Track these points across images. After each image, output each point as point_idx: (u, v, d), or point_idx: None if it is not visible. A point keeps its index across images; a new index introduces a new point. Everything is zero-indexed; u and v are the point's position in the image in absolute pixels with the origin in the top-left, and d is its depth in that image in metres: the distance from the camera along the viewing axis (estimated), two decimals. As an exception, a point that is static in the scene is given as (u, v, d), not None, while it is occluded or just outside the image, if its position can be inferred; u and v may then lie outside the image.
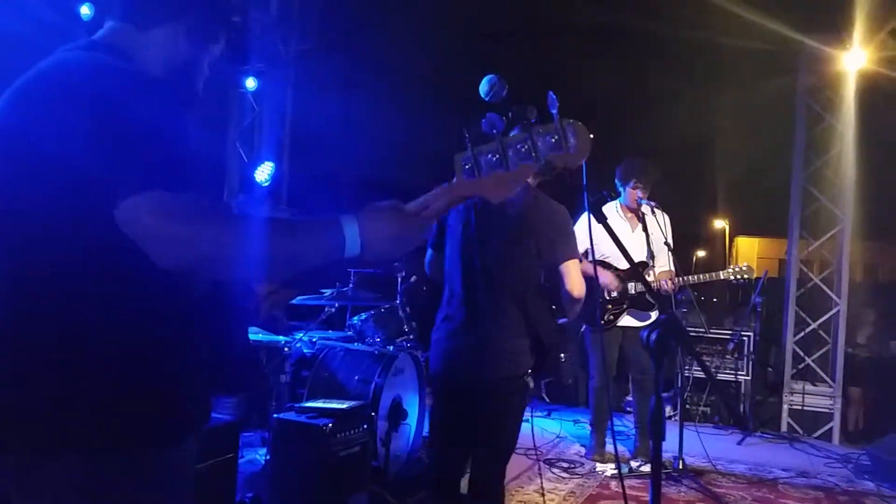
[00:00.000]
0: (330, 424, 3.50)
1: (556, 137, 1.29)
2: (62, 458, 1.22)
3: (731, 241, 13.12)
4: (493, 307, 2.79)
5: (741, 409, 6.64)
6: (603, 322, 4.95)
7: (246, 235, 1.22)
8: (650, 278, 4.96)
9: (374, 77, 7.11)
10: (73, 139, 1.20)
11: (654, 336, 1.96)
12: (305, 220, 1.30)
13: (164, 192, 1.17)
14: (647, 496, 4.48)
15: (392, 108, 6.98)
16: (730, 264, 12.21)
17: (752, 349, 6.82)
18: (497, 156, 1.30)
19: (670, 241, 4.96)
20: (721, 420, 6.76)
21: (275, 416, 3.67)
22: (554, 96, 1.41)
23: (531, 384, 2.79)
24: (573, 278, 2.79)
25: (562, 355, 2.84)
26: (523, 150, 1.29)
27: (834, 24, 6.56)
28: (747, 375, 6.77)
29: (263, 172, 6.05)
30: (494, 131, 1.33)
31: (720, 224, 13.32)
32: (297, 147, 7.13)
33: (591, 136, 1.33)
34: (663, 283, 4.88)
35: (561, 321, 2.89)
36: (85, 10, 5.52)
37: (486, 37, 7.42)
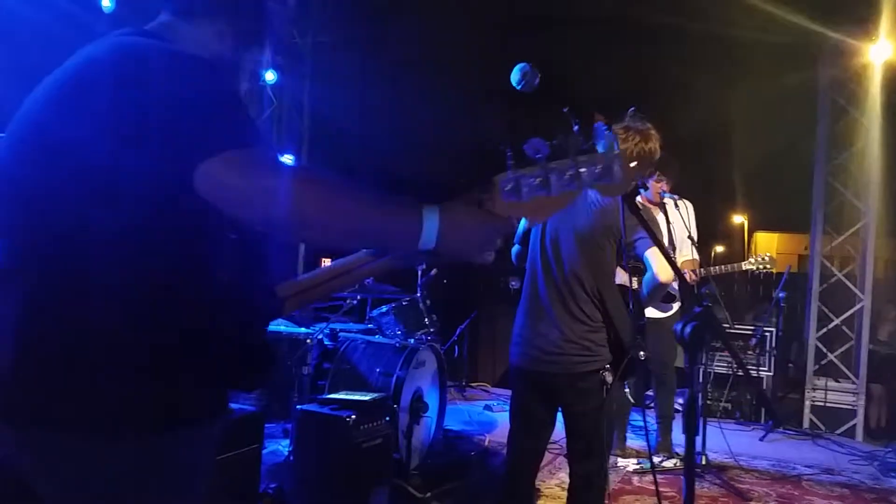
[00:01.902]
0: (353, 416, 3.49)
1: (601, 168, 1.29)
2: (88, 439, 1.20)
3: (750, 236, 13.00)
4: (570, 302, 2.82)
5: (763, 406, 6.57)
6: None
7: (328, 193, 1.20)
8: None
9: (392, 69, 7.07)
10: (144, 105, 1.19)
11: (688, 329, 1.92)
12: (385, 197, 1.24)
13: (245, 149, 1.17)
14: (670, 492, 4.46)
15: (411, 101, 6.95)
16: (747, 259, 12.12)
17: (773, 345, 6.74)
18: (539, 180, 1.28)
19: (694, 233, 4.91)
20: (742, 416, 6.70)
21: (298, 407, 3.66)
22: (604, 127, 1.40)
23: (608, 379, 2.76)
24: (659, 264, 2.79)
25: (641, 353, 2.81)
26: (566, 177, 1.28)
27: (859, 16, 6.46)
28: (769, 371, 6.70)
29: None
30: (538, 156, 1.31)
31: (739, 219, 13.20)
32: (316, 139, 7.12)
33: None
34: (686, 273, 4.83)
35: (640, 322, 2.90)
36: (106, 2, 5.54)
37: (505, 29, 7.36)
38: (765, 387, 6.69)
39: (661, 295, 2.96)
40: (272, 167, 1.18)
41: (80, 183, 1.23)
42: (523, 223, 2.88)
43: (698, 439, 4.86)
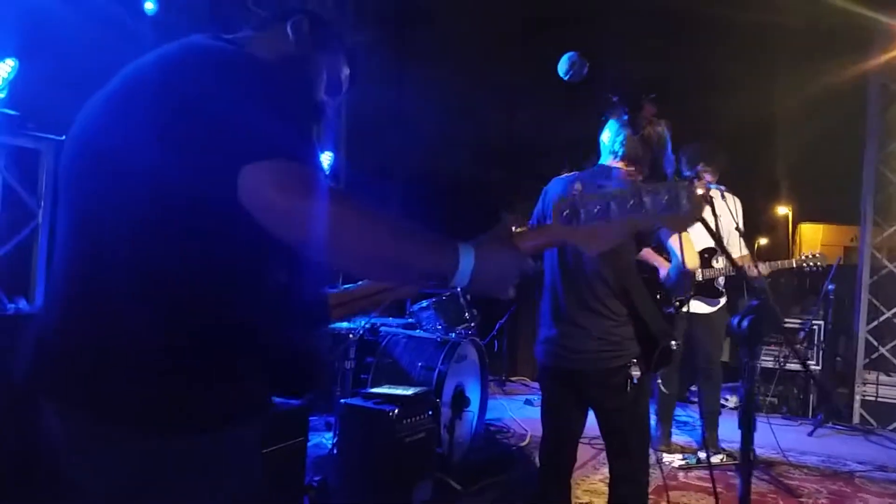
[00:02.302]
0: (396, 410, 3.49)
1: (668, 198, 1.23)
2: (137, 433, 1.22)
3: (794, 227, 12.69)
4: (592, 300, 2.77)
5: (822, 400, 6.43)
6: (672, 310, 4.83)
7: (372, 223, 1.20)
8: (719, 265, 4.82)
9: (430, 66, 7.05)
10: (201, 110, 1.20)
11: (745, 322, 1.88)
12: (424, 231, 1.25)
13: (289, 161, 1.16)
14: (718, 487, 4.38)
15: (449, 98, 6.93)
16: (793, 252, 11.85)
17: (822, 338, 6.59)
18: (599, 208, 1.24)
19: (741, 225, 4.81)
20: (789, 410, 6.56)
21: (341, 401, 3.68)
22: (673, 157, 1.36)
23: (635, 374, 2.72)
24: (688, 251, 2.75)
25: (673, 343, 2.76)
26: (628, 205, 1.23)
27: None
28: (817, 365, 6.55)
29: (323, 163, 6.07)
30: (601, 182, 1.28)
31: (783, 210, 12.89)
32: (353, 138, 7.15)
33: (701, 193, 1.27)
34: (751, 268, 4.74)
35: (668, 310, 2.84)
36: (149, 5, 5.62)
37: (544, 23, 7.29)
38: (813, 381, 6.53)
39: (687, 284, 2.90)
40: (314, 187, 1.16)
41: (133, 185, 1.24)
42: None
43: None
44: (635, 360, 2.74)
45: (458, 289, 1.27)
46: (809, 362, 6.57)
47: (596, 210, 1.24)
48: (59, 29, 4.83)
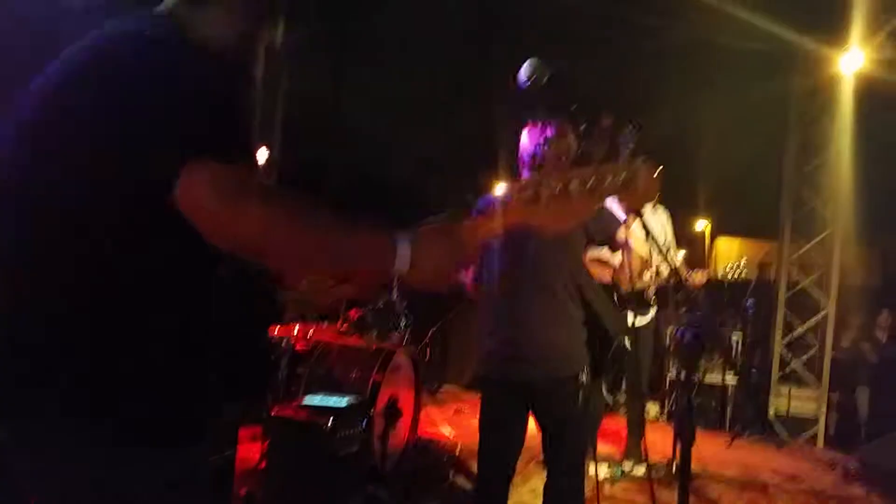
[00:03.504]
0: (330, 422, 3.40)
1: (626, 175, 1.24)
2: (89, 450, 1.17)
3: (711, 241, 13.18)
4: (548, 303, 2.71)
5: (727, 412, 6.66)
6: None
7: (302, 219, 1.20)
8: (647, 278, 4.91)
9: (369, 65, 6.98)
10: (138, 105, 1.18)
11: (689, 336, 1.89)
12: (360, 223, 1.25)
13: (224, 163, 1.14)
14: (640, 499, 4.46)
15: (387, 97, 6.87)
16: (710, 264, 12.27)
17: (739, 351, 6.83)
18: (560, 186, 1.24)
19: (671, 238, 4.92)
20: (707, 423, 6.77)
21: (273, 412, 3.56)
22: (632, 133, 1.36)
23: (584, 380, 2.68)
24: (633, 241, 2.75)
25: (626, 340, 2.76)
26: (588, 185, 1.24)
27: (830, 25, 6.54)
28: (735, 378, 6.79)
29: (258, 159, 5.90)
30: (561, 158, 1.27)
31: (701, 224, 13.36)
32: (289, 131, 6.99)
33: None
34: (688, 278, 4.84)
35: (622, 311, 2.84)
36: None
37: (485, 28, 7.32)
38: (729, 394, 6.76)
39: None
40: (248, 189, 1.16)
41: (67, 183, 1.20)
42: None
43: (668, 447, 4.88)
44: (585, 368, 2.71)
45: (396, 279, 1.26)
46: (727, 375, 6.79)
47: (557, 190, 1.24)
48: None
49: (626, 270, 3.75)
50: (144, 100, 1.18)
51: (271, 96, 6.85)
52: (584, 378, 2.70)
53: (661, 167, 2.79)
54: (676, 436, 1.93)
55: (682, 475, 2.00)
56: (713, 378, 6.73)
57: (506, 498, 2.96)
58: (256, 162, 1.30)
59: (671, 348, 6.23)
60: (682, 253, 5.49)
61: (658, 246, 2.61)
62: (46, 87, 1.28)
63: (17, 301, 1.21)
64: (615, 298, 2.96)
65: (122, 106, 1.19)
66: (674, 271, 2.37)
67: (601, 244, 3.03)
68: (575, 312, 2.72)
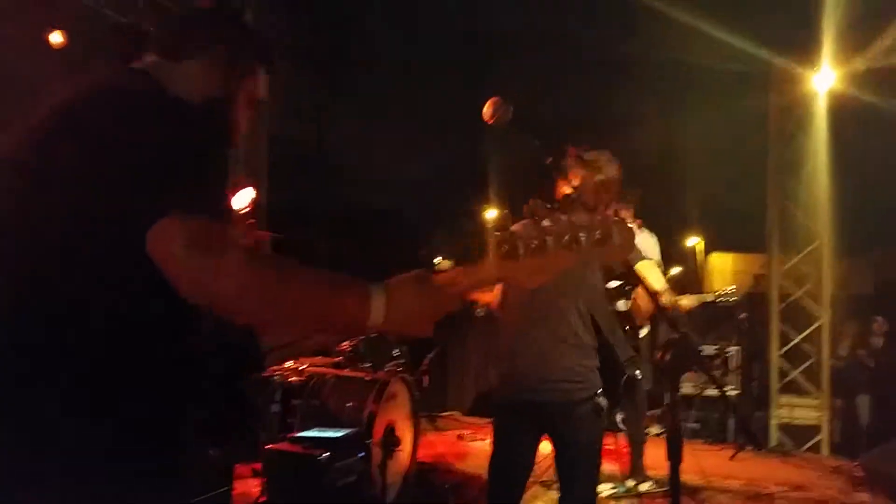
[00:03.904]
0: (326, 454, 3.39)
1: (600, 233, 1.27)
2: None
3: (705, 257, 13.25)
4: (561, 328, 2.76)
5: (744, 430, 6.63)
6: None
7: (273, 277, 1.20)
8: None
9: (354, 104, 7.09)
10: (114, 159, 1.18)
11: (668, 357, 1.93)
12: (333, 278, 1.26)
13: (195, 218, 1.15)
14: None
15: (373, 131, 6.96)
16: (704, 279, 12.30)
17: (738, 364, 6.83)
18: (536, 242, 1.27)
19: (659, 260, 4.96)
20: (710, 436, 6.74)
21: (268, 447, 3.55)
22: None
23: (603, 405, 2.70)
24: (652, 277, 2.76)
25: (637, 372, 2.78)
26: (564, 240, 1.27)
27: (803, 45, 6.69)
28: (736, 390, 6.78)
29: (243, 198, 5.94)
30: (535, 217, 1.31)
31: (693, 241, 13.45)
32: (277, 171, 7.06)
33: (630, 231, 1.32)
34: (676, 302, 4.87)
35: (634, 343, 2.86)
36: (57, 39, 5.40)
37: (466, 62, 7.45)
38: (731, 406, 6.75)
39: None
40: (213, 242, 1.15)
41: (42, 232, 1.20)
42: None
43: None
44: (600, 391, 2.73)
45: (373, 327, 1.26)
46: (729, 387, 6.78)
47: (533, 245, 1.27)
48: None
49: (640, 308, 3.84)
50: (119, 153, 1.19)
51: (256, 137, 6.93)
52: (600, 400, 2.72)
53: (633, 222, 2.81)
54: (667, 456, 1.94)
55: (672, 493, 2.01)
56: (714, 391, 6.72)
57: None
58: (230, 217, 1.32)
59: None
60: (676, 270, 5.54)
61: (632, 273, 2.63)
62: (28, 133, 1.29)
63: None
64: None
65: (98, 158, 1.19)
66: (652, 295, 2.39)
67: (618, 278, 3.06)
68: (587, 339, 2.75)
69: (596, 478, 2.84)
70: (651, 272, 2.78)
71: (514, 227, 1.33)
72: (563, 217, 1.28)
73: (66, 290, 1.18)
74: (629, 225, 1.28)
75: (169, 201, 1.14)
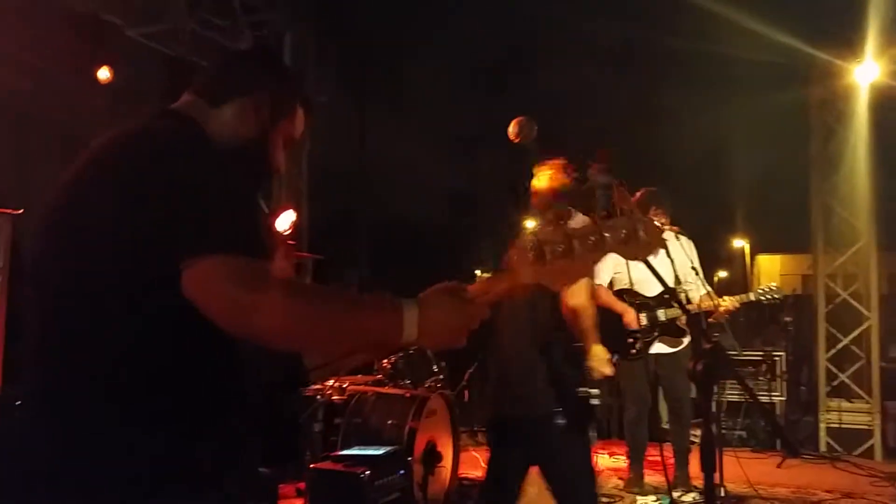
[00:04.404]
0: (368, 472, 3.47)
1: (626, 232, 1.30)
2: None
3: (751, 259, 12.99)
4: (519, 352, 2.86)
5: (777, 435, 6.52)
6: (634, 351, 4.90)
7: (308, 308, 1.25)
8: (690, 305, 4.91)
9: (390, 122, 7.19)
10: (149, 201, 1.23)
11: (700, 367, 1.95)
12: (366, 300, 1.31)
13: (233, 257, 1.20)
14: (691, 527, 4.42)
15: (409, 151, 7.05)
16: (752, 283, 12.08)
17: (784, 369, 6.72)
18: (562, 246, 1.29)
19: (697, 265, 4.93)
20: (758, 443, 6.64)
21: (311, 466, 3.65)
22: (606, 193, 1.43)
23: (560, 421, 2.75)
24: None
25: (595, 401, 2.80)
26: (590, 242, 1.29)
27: (845, 37, 6.56)
28: (782, 396, 6.67)
29: (285, 220, 6.09)
30: (561, 221, 1.34)
31: (739, 243, 13.20)
32: (316, 194, 7.20)
33: (658, 225, 1.33)
34: (718, 305, 4.85)
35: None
36: (103, 75, 5.61)
37: (498, 64, 7.48)
38: (778, 412, 6.64)
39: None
40: (247, 280, 1.19)
41: (89, 272, 1.26)
42: None
43: (715, 470, 4.81)
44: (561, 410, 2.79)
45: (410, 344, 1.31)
46: (774, 394, 6.67)
47: (560, 249, 1.29)
48: (12, 99, 4.83)
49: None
50: (159, 194, 1.23)
51: (296, 159, 7.09)
52: (560, 420, 2.76)
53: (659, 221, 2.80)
54: (701, 466, 1.96)
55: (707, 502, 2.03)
56: (761, 397, 6.61)
57: None
58: (268, 250, 1.35)
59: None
60: (713, 276, 5.47)
61: (663, 281, 2.66)
62: (72, 179, 1.35)
63: (46, 386, 1.28)
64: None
65: (138, 199, 1.24)
66: (680, 305, 2.41)
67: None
68: (546, 360, 2.80)
69: (584, 500, 2.87)
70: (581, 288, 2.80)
71: (540, 232, 1.35)
72: (587, 218, 1.32)
73: (114, 327, 1.24)
74: (657, 224, 1.30)
75: (205, 243, 1.20)
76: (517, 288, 1.37)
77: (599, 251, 1.29)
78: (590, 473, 2.88)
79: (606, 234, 1.29)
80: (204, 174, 1.28)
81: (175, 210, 1.22)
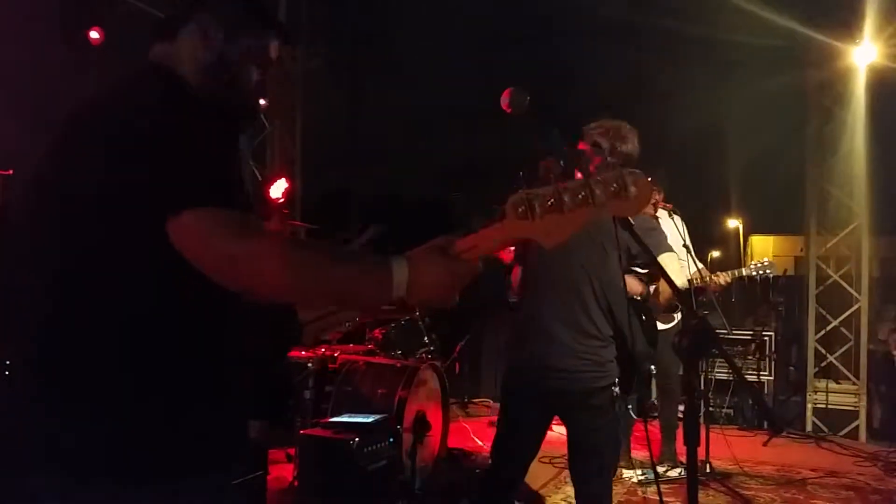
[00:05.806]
0: (356, 439, 3.49)
1: (616, 186, 1.28)
2: (101, 486, 1.22)
3: (745, 240, 13.06)
4: (580, 317, 2.75)
5: (763, 414, 6.58)
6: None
7: (300, 258, 1.25)
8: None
9: (384, 90, 7.13)
10: (131, 158, 1.23)
11: (686, 342, 1.94)
12: (357, 254, 1.34)
13: (220, 209, 1.20)
14: (675, 501, 4.46)
15: (403, 121, 7.00)
16: (745, 263, 12.15)
17: (773, 349, 6.76)
18: (552, 201, 1.28)
19: (689, 243, 4.94)
20: (745, 422, 6.71)
21: (301, 432, 3.67)
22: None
23: (616, 391, 2.71)
24: (671, 269, 2.77)
25: (652, 367, 2.77)
26: (580, 196, 1.27)
27: (843, 19, 6.53)
28: (770, 375, 6.72)
29: (277, 189, 6.08)
30: (551, 176, 1.31)
31: (733, 223, 13.26)
32: (309, 161, 7.16)
33: (650, 182, 1.31)
34: (712, 280, 4.87)
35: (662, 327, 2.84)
36: (94, 35, 5.54)
37: (494, 38, 7.41)
38: (766, 391, 6.70)
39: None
40: (236, 231, 1.19)
41: (76, 230, 1.26)
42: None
43: (702, 447, 4.86)
44: (617, 380, 2.74)
45: (398, 299, 1.29)
46: (763, 373, 6.73)
47: (549, 203, 1.28)
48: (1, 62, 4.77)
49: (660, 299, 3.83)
50: (141, 150, 1.23)
51: (288, 127, 7.04)
52: (616, 389, 2.73)
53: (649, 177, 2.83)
54: (684, 440, 1.96)
55: (689, 477, 2.04)
56: (749, 376, 6.67)
57: (516, 488, 3.01)
58: (252, 205, 1.34)
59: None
60: (707, 255, 5.49)
61: (653, 260, 2.65)
62: (57, 139, 1.35)
63: (37, 343, 1.28)
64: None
65: (121, 156, 1.24)
66: (669, 282, 2.39)
67: (643, 266, 3.05)
68: (604, 327, 2.75)
69: (612, 464, 2.87)
70: (672, 265, 2.76)
71: (531, 187, 1.33)
72: (578, 173, 1.29)
73: (102, 283, 1.24)
74: (648, 181, 1.28)
75: (190, 195, 1.19)
76: (505, 244, 1.36)
77: (590, 206, 1.28)
78: (615, 440, 2.86)
79: (597, 190, 1.27)
80: (181, 126, 1.26)
81: (157, 165, 1.21)
